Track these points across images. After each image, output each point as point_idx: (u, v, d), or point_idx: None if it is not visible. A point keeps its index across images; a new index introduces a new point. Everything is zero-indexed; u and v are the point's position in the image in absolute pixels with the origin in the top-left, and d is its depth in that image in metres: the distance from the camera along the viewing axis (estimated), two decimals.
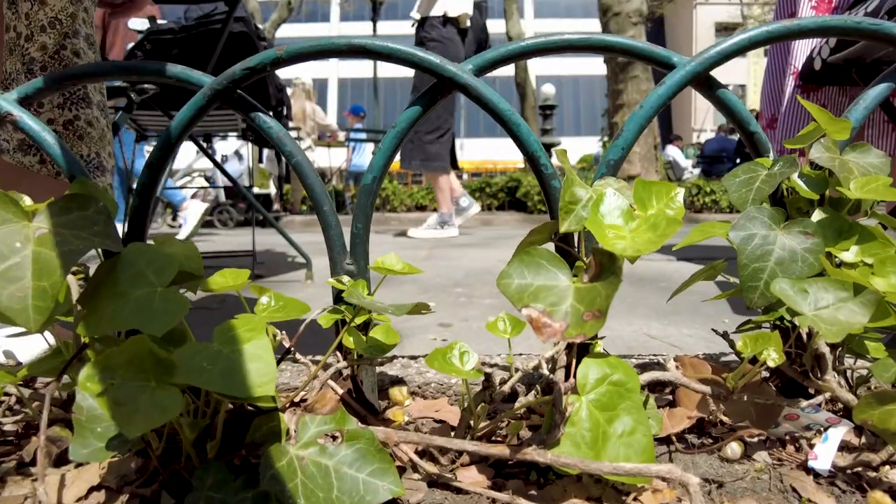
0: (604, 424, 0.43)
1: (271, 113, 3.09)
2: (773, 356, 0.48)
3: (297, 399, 0.55)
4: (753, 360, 0.53)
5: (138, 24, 2.67)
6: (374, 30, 12.76)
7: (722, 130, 10.79)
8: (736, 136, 9.95)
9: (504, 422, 0.56)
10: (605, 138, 8.47)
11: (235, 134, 3.09)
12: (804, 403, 0.54)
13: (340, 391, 0.53)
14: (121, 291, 0.44)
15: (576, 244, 0.55)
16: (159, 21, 2.57)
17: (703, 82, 0.58)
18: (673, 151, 9.56)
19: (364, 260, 0.60)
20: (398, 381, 0.69)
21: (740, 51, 0.58)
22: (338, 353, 0.59)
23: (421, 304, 0.52)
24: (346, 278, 0.58)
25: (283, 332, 0.54)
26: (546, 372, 0.50)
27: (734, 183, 0.58)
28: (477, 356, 0.51)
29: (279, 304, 0.51)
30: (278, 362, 0.48)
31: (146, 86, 1.84)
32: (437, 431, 0.59)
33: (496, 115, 0.56)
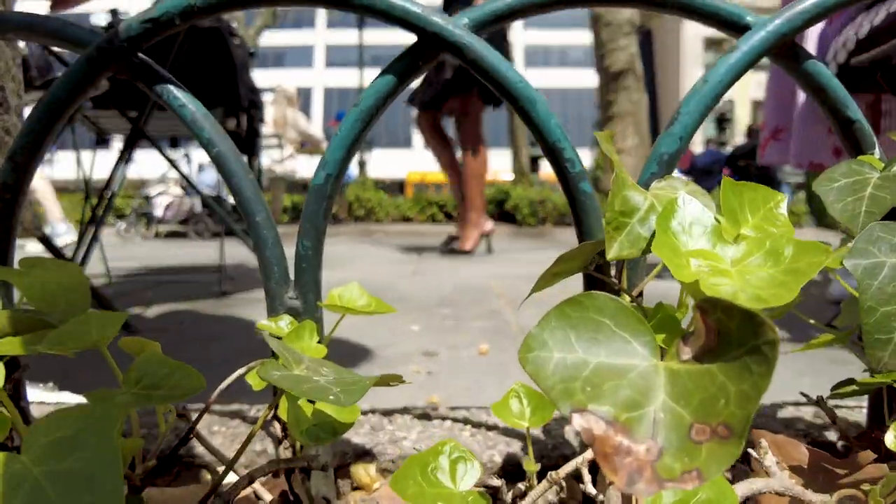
0: None
1: (245, 118, 2.92)
2: None
3: None
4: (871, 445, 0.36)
5: (100, 18, 2.49)
6: (360, 37, 12.62)
7: (711, 143, 10.75)
8: (728, 149, 9.93)
9: None
10: (596, 151, 8.40)
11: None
12: None
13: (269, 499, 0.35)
14: None
15: (614, 274, 0.39)
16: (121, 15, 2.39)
17: (787, 50, 0.42)
18: None
19: (314, 292, 0.42)
20: (364, 454, 0.52)
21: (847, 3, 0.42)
22: (276, 426, 0.41)
23: (388, 376, 0.34)
24: (285, 319, 0.40)
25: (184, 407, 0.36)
26: (590, 489, 0.32)
27: (831, 190, 0.41)
28: (478, 466, 0.32)
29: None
30: (171, 461, 0.31)
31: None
32: None
33: (503, 88, 0.39)
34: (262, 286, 0.42)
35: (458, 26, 0.39)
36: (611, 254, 0.29)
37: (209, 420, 0.63)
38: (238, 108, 2.80)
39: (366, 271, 3.06)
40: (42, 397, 0.86)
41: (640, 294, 0.40)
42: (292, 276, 0.42)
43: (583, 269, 0.35)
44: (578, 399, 0.19)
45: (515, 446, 0.52)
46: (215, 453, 0.37)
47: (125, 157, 1.93)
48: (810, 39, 1.99)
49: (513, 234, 6.57)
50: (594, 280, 0.38)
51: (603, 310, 0.22)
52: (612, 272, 0.39)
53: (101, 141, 2.82)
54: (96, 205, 2.06)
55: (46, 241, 1.62)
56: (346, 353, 1.40)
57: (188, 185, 6.75)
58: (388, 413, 0.61)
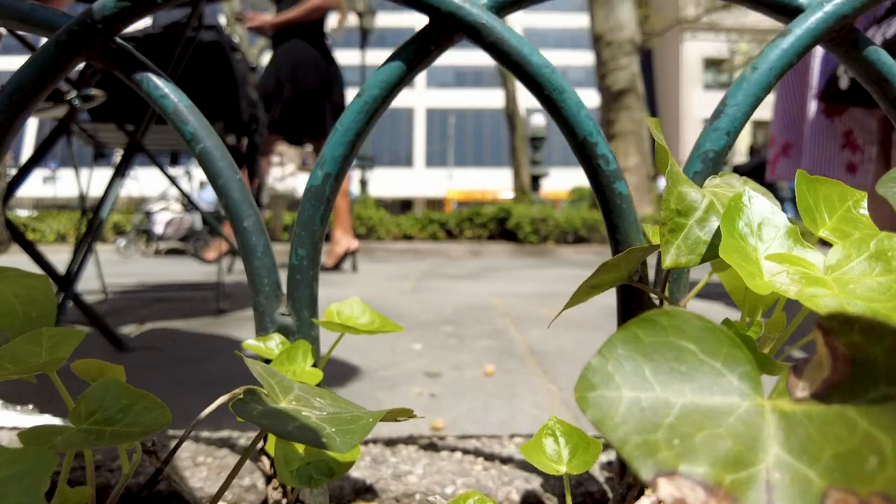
0: None
1: (246, 137, 2.89)
2: None
3: None
4: None
5: None
6: (363, 58, 12.73)
7: None
8: (727, 168, 9.95)
9: None
10: None
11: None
12: None
13: None
14: None
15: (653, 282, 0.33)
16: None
17: (846, 35, 0.37)
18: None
19: (309, 308, 0.37)
20: (365, 490, 0.46)
21: None
22: (264, 462, 0.36)
23: (396, 411, 0.28)
24: (275, 338, 0.35)
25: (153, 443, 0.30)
26: None
27: None
28: None
29: None
30: None
31: (93, 91, 1.61)
32: None
33: (526, 75, 0.34)
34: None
35: (475, 5, 0.34)
36: (668, 261, 0.24)
37: (194, 449, 0.57)
38: (239, 123, 2.78)
39: (365, 288, 3.00)
40: (17, 421, 0.80)
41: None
42: (284, 290, 0.37)
43: (627, 281, 0.30)
44: (664, 457, 0.13)
45: (534, 482, 0.47)
46: (190, 498, 0.31)
47: (121, 171, 1.89)
48: (817, 52, 1.96)
49: (514, 253, 6.52)
50: (632, 295, 0.33)
51: (684, 330, 0.16)
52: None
53: (100, 156, 2.79)
54: (91, 219, 2.02)
55: (33, 252, 1.56)
56: (344, 373, 1.34)
57: (188, 202, 6.74)
58: (391, 443, 0.55)
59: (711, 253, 0.24)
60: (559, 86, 0.33)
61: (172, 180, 2.25)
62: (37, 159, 1.64)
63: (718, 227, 0.25)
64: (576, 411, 1.10)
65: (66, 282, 1.60)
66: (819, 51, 1.93)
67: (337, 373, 1.32)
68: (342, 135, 0.35)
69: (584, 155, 0.33)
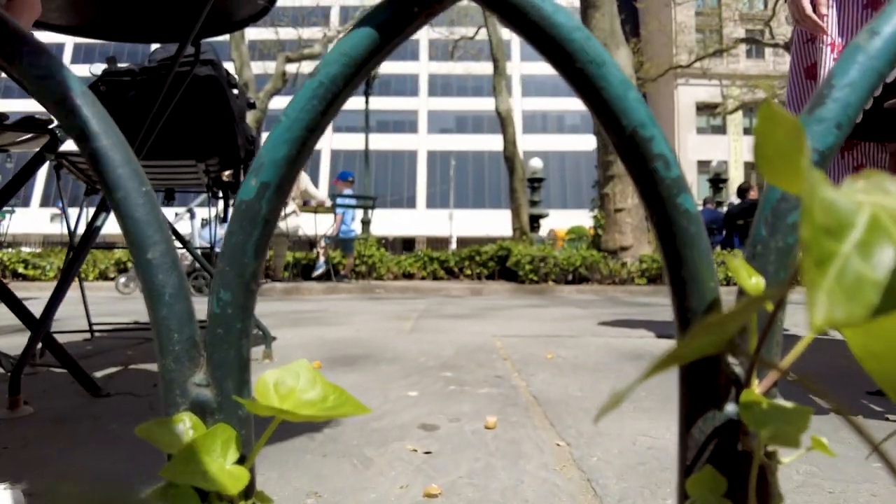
0: None
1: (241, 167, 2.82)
2: None
3: None
4: None
5: (96, 67, 2.44)
6: (367, 103, 12.90)
7: (708, 203, 10.71)
8: (723, 209, 9.90)
9: None
10: (596, 210, 8.40)
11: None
12: None
13: None
14: None
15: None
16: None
17: None
18: None
19: (236, 377, 0.26)
20: None
21: None
22: None
23: None
24: (185, 421, 0.24)
25: None
26: None
27: None
28: None
29: None
30: None
31: None
32: None
33: (549, 41, 0.24)
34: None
35: None
36: (819, 316, 0.13)
37: None
38: (235, 159, 2.71)
39: (361, 329, 2.88)
40: None
41: (775, 384, 0.24)
42: (204, 352, 0.25)
43: (721, 351, 0.20)
44: None
45: None
46: None
47: (104, 207, 1.80)
48: (826, 71, 1.89)
49: (514, 292, 6.41)
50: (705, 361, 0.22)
51: None
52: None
53: (94, 192, 2.72)
54: (70, 258, 1.92)
55: (4, 294, 1.46)
56: (330, 422, 1.22)
57: (189, 240, 6.68)
58: None
59: (890, 302, 0.14)
60: (597, 56, 0.23)
61: (162, 216, 2.15)
62: (12, 191, 1.55)
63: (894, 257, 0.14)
64: (588, 472, 0.97)
65: (37, 324, 1.49)
66: (828, 69, 1.87)
67: (317, 423, 1.19)
68: (286, 129, 0.25)
69: (634, 155, 0.23)
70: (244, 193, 0.25)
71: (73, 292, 2.50)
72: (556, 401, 1.41)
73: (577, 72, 0.23)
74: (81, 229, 2.15)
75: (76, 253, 1.99)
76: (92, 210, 2.28)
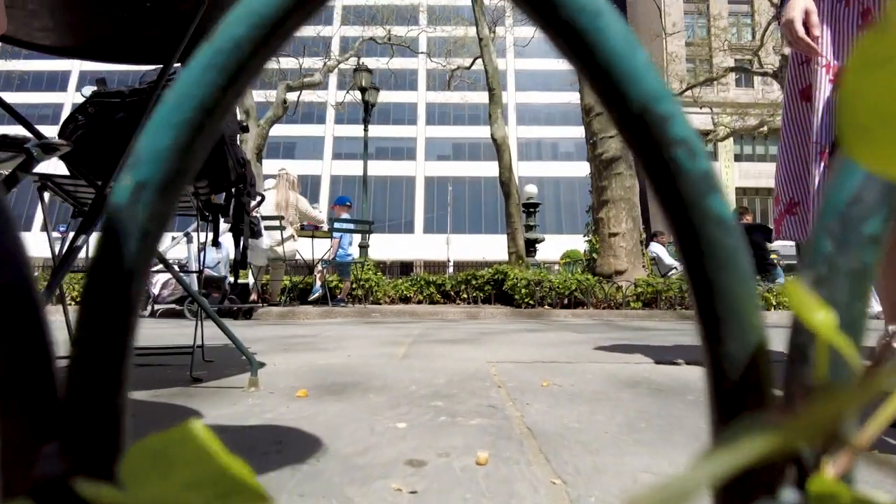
0: None
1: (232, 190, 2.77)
2: None
3: None
4: None
5: (87, 89, 2.40)
6: (366, 130, 12.94)
7: None
8: None
9: None
10: (590, 235, 8.36)
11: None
12: None
13: None
14: None
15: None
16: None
17: None
18: (657, 248, 9.36)
19: (106, 448, 0.18)
20: None
21: None
22: None
23: None
24: None
25: None
26: None
27: None
28: None
29: None
30: None
31: (54, 139, 1.47)
32: None
33: None
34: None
35: None
36: None
37: None
38: (227, 181, 2.66)
39: (353, 354, 2.79)
40: None
41: (853, 464, 0.17)
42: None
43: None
44: None
45: None
46: None
47: (86, 227, 1.73)
48: (819, 104, 1.85)
49: (510, 316, 6.33)
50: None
51: None
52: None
53: (80, 214, 2.66)
54: (49, 280, 1.84)
55: None
56: (309, 456, 1.13)
57: (186, 264, 6.61)
58: None
59: None
60: (591, 3, 0.16)
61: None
62: None
63: None
64: None
65: None
66: (820, 103, 1.82)
67: (297, 456, 1.11)
68: (173, 109, 0.18)
69: (645, 140, 0.16)
70: (118, 195, 0.18)
71: (59, 315, 2.41)
72: (551, 433, 1.33)
73: (562, 24, 0.16)
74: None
75: (52, 275, 1.91)
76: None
